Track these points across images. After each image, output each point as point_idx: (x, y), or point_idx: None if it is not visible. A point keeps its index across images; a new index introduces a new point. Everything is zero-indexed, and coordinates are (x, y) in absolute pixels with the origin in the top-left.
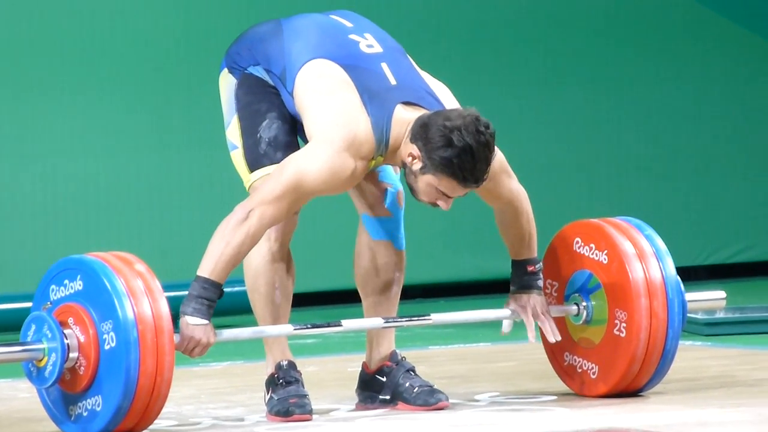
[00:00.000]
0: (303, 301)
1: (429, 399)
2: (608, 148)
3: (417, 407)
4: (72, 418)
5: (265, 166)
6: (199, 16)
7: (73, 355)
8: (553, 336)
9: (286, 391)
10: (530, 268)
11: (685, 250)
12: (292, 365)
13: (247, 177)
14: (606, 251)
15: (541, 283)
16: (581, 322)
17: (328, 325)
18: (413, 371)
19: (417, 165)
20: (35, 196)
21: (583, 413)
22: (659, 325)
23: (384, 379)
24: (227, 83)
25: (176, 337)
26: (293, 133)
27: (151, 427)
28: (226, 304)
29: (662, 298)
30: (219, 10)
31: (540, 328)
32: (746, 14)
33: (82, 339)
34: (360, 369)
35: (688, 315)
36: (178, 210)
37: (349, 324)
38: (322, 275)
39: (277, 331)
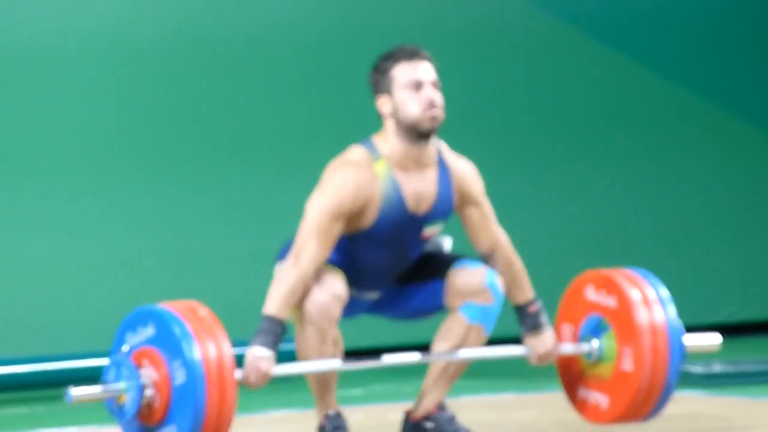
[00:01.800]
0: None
1: None
2: (611, 217)
3: None
4: None
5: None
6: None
7: (149, 392)
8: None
9: None
10: (532, 309)
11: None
12: (338, 414)
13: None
14: (615, 296)
15: (545, 319)
16: (593, 359)
17: (370, 358)
18: (455, 418)
19: (387, 101)
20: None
21: None
22: (661, 360)
23: (431, 426)
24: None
25: (238, 373)
26: None
27: None
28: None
29: (664, 337)
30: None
31: (557, 369)
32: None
33: (155, 377)
34: (403, 417)
35: (688, 368)
36: (236, 280)
37: (388, 359)
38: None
39: (326, 366)
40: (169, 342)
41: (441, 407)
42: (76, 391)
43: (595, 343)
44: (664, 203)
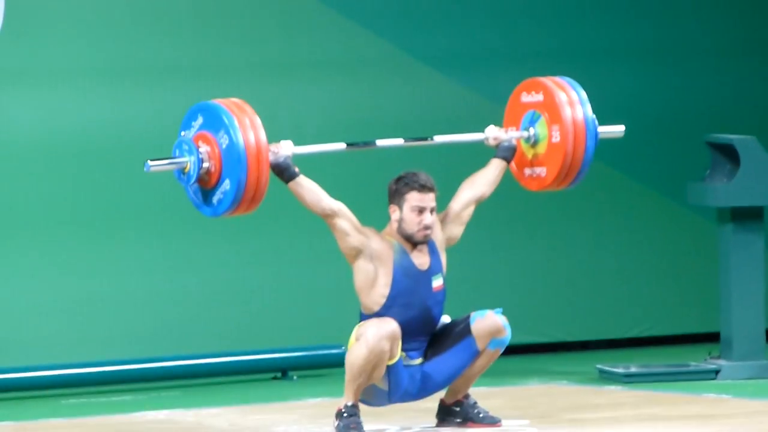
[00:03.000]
0: None
1: (492, 419)
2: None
3: (484, 425)
4: (211, 204)
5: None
6: None
7: (205, 164)
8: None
9: (348, 420)
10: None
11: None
12: (355, 405)
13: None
14: (541, 92)
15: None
16: (532, 142)
17: (365, 144)
18: (476, 403)
19: (396, 211)
20: None
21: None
22: (580, 130)
23: (458, 409)
24: None
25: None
26: None
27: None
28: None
29: (582, 119)
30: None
31: (509, 167)
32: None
33: (208, 150)
34: (438, 403)
35: (612, 369)
36: None
37: (382, 142)
38: None
39: (332, 148)
40: (213, 120)
41: (466, 396)
42: (153, 164)
43: (532, 130)
44: (594, 251)
